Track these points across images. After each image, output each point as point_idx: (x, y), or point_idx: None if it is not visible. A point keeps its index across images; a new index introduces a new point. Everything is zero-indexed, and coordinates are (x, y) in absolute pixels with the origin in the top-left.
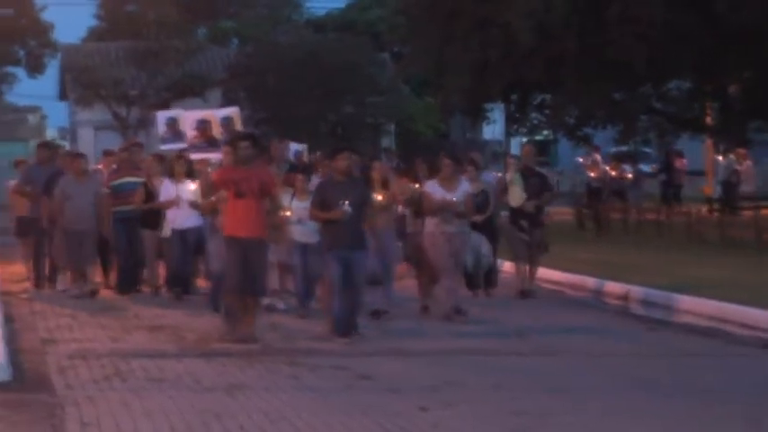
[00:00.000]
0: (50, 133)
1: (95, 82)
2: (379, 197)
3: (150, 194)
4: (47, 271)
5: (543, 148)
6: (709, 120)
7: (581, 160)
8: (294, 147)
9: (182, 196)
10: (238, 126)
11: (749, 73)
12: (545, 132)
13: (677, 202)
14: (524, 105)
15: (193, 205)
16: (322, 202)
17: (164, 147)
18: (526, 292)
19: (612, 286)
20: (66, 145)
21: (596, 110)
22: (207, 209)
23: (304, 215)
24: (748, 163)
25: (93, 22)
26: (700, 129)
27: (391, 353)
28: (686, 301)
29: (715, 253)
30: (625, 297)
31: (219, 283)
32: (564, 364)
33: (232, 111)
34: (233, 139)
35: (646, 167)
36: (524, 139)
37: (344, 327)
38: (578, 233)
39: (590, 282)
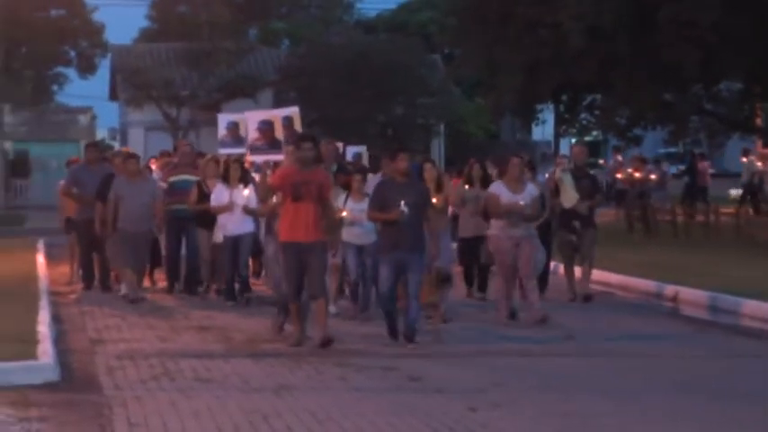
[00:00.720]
0: (101, 134)
1: (146, 83)
2: (434, 199)
3: (204, 195)
4: (98, 274)
5: (593, 150)
6: (759, 121)
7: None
8: (353, 149)
9: (235, 201)
10: (298, 126)
11: None
12: (594, 133)
13: (705, 203)
14: (574, 106)
15: (247, 211)
16: (380, 203)
17: (223, 150)
18: (586, 296)
19: (661, 288)
20: (117, 145)
21: (647, 111)
22: (266, 212)
23: (360, 217)
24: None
25: (145, 23)
26: (750, 130)
27: (440, 355)
28: (735, 303)
29: (764, 254)
30: (674, 299)
31: (281, 286)
32: (611, 366)
33: (292, 111)
34: (295, 140)
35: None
36: (573, 140)
37: (394, 329)
38: (626, 235)
39: (639, 283)
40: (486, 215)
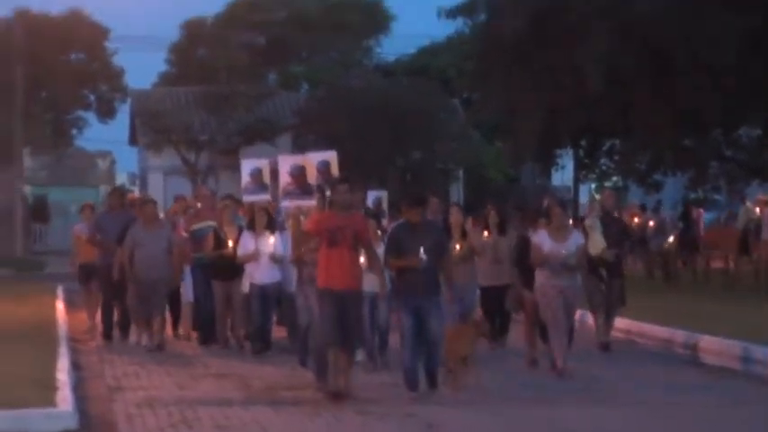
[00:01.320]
0: (120, 178)
1: (166, 127)
2: (458, 246)
3: (221, 242)
4: (117, 321)
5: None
6: None
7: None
8: (373, 194)
9: (261, 249)
10: (335, 171)
11: None
12: (614, 179)
13: (696, 251)
14: (594, 151)
15: (274, 259)
16: (397, 249)
17: (246, 197)
18: (604, 345)
19: (681, 335)
20: (136, 190)
21: (666, 156)
22: (296, 259)
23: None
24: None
25: (164, 67)
26: None
27: (460, 402)
28: (756, 351)
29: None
30: (694, 347)
31: (306, 336)
32: (633, 415)
33: (329, 155)
34: (332, 183)
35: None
36: (593, 185)
37: (413, 379)
38: (647, 281)
39: (659, 331)
40: (518, 263)
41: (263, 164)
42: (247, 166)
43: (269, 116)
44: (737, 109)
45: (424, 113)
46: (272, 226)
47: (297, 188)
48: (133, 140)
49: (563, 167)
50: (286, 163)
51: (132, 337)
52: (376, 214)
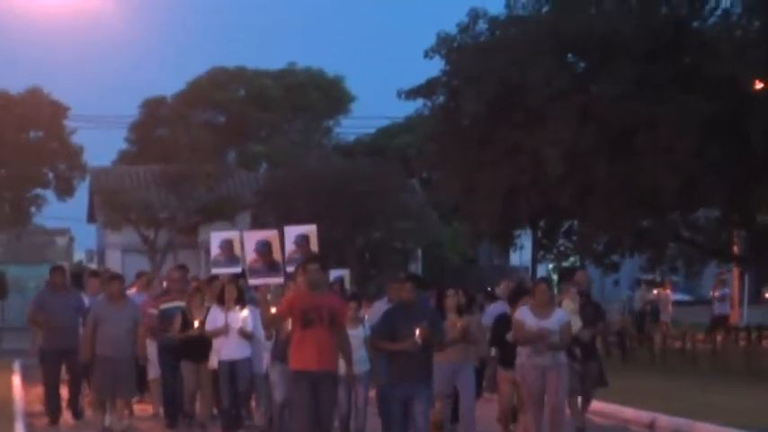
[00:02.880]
0: (78, 255)
1: (124, 205)
2: (458, 325)
3: (187, 323)
4: (68, 400)
5: (570, 275)
6: (735, 249)
7: None
8: (335, 273)
9: (231, 324)
10: (314, 246)
11: None
12: (572, 259)
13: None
14: (552, 232)
15: (243, 334)
16: (390, 332)
17: (216, 270)
18: (579, 429)
19: (638, 414)
20: (94, 267)
21: (624, 237)
22: (270, 336)
23: (355, 344)
24: (667, 293)
25: (124, 146)
26: (727, 258)
27: None
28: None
29: (740, 381)
30: (651, 425)
31: (282, 414)
32: None
33: (308, 229)
34: (302, 262)
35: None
36: (551, 266)
37: None
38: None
39: (615, 409)
40: (496, 342)
41: (234, 235)
42: (216, 238)
43: (228, 194)
44: (697, 191)
45: (384, 193)
46: (243, 300)
47: (263, 265)
48: (91, 218)
49: (521, 248)
50: (251, 239)
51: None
52: (354, 295)
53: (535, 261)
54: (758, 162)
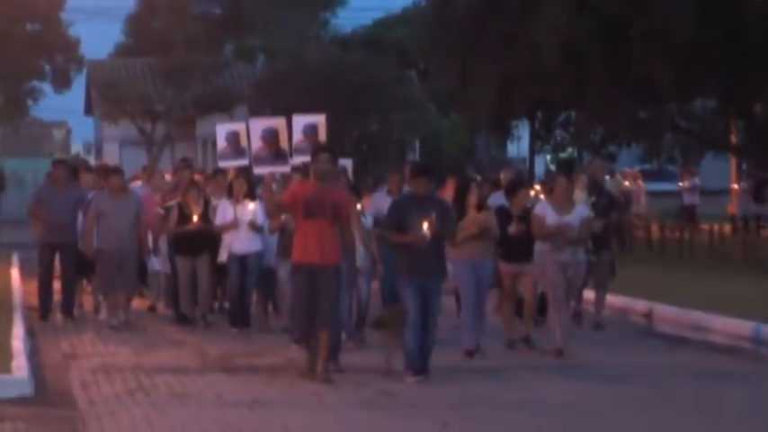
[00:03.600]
0: (76, 148)
1: (121, 98)
2: (478, 220)
3: (185, 217)
4: (63, 299)
5: (569, 166)
6: (733, 138)
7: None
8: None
9: (240, 218)
10: (323, 136)
11: None
12: (569, 150)
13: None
14: (549, 123)
15: (253, 227)
16: (398, 224)
17: (222, 163)
18: (596, 324)
19: (635, 304)
20: (92, 160)
21: (621, 128)
22: (276, 228)
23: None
24: (639, 183)
25: (121, 38)
26: (724, 147)
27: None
28: (710, 320)
29: (736, 272)
30: (648, 315)
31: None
32: (586, 383)
33: (317, 118)
34: (312, 151)
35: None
36: (548, 156)
37: (417, 362)
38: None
39: (612, 299)
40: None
41: (241, 127)
42: (222, 130)
43: (225, 87)
44: (692, 81)
45: (380, 85)
46: (252, 193)
47: (269, 154)
48: (89, 111)
49: (518, 139)
50: (258, 126)
51: (101, 314)
52: (355, 187)
53: (532, 152)
54: (753, 50)
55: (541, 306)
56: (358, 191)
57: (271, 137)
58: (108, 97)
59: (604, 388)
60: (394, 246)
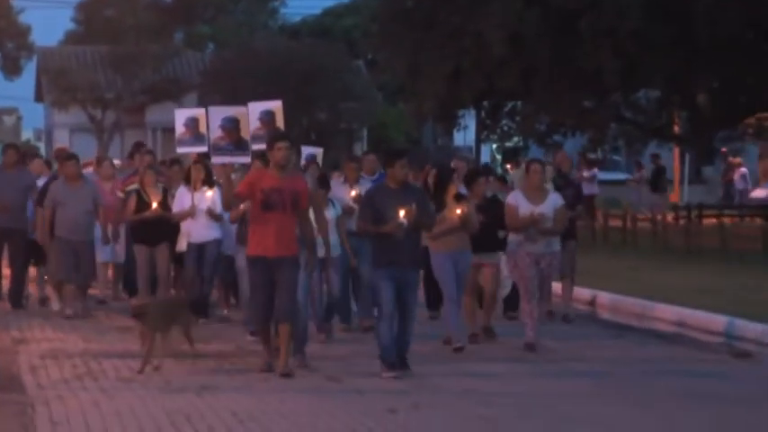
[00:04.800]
0: (26, 134)
1: (72, 85)
2: (458, 210)
3: (143, 204)
4: (9, 290)
5: (514, 155)
6: (677, 128)
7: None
8: (308, 149)
9: (198, 206)
10: (280, 123)
11: (717, 83)
12: (515, 139)
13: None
14: (496, 113)
15: (212, 216)
16: (373, 214)
17: (181, 150)
18: (564, 316)
19: (579, 292)
20: (42, 146)
21: (566, 118)
22: (235, 218)
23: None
24: (594, 171)
25: (71, 26)
26: (668, 137)
27: (361, 355)
28: (652, 307)
29: (678, 260)
30: (592, 302)
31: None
32: (531, 370)
33: (274, 105)
34: (268, 139)
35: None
36: (494, 146)
37: (391, 356)
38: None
39: (557, 287)
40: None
41: (200, 113)
42: (181, 115)
43: (175, 75)
44: (637, 72)
45: (328, 74)
46: (211, 181)
47: (229, 143)
48: (39, 97)
49: (465, 128)
50: (217, 115)
51: (54, 305)
52: (324, 178)
53: (479, 141)
54: (699, 43)
55: (514, 300)
56: (327, 181)
57: (231, 126)
58: (58, 84)
59: (555, 376)
60: (371, 236)
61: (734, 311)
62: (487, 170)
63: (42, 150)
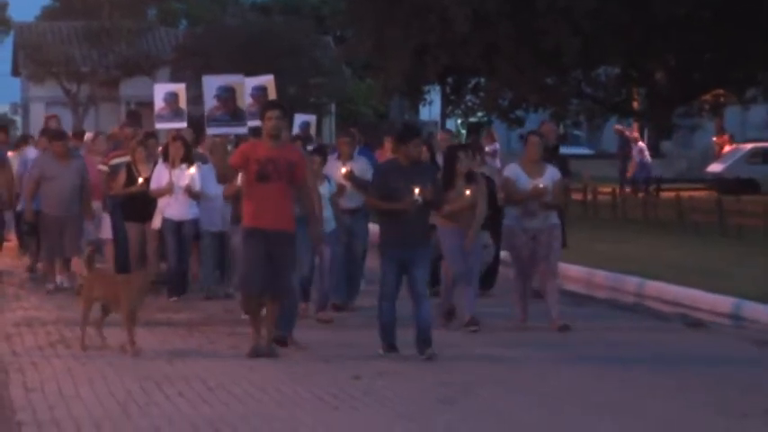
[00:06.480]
0: (2, 108)
1: (48, 59)
2: (467, 191)
3: (133, 179)
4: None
5: (477, 129)
6: (636, 104)
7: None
8: (300, 117)
9: (177, 183)
10: (273, 98)
11: (675, 60)
12: (479, 114)
13: None
14: (460, 88)
15: (191, 194)
16: (384, 191)
17: (160, 125)
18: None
19: None
20: (19, 119)
21: (529, 94)
22: (230, 194)
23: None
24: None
25: (47, 2)
26: (627, 113)
27: (330, 326)
28: (610, 278)
29: (638, 232)
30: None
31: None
32: (493, 338)
33: (266, 80)
34: (261, 109)
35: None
36: (459, 120)
37: (389, 336)
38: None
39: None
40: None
41: (179, 88)
42: (160, 90)
43: (148, 50)
44: (596, 50)
45: (298, 50)
46: (190, 157)
47: (225, 113)
48: (16, 72)
49: (430, 103)
50: (212, 84)
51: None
52: (320, 149)
53: (444, 116)
54: (655, 20)
55: (491, 278)
56: (323, 152)
57: (227, 96)
58: (34, 59)
59: (516, 345)
60: (379, 214)
61: (689, 282)
62: (470, 146)
63: (19, 123)
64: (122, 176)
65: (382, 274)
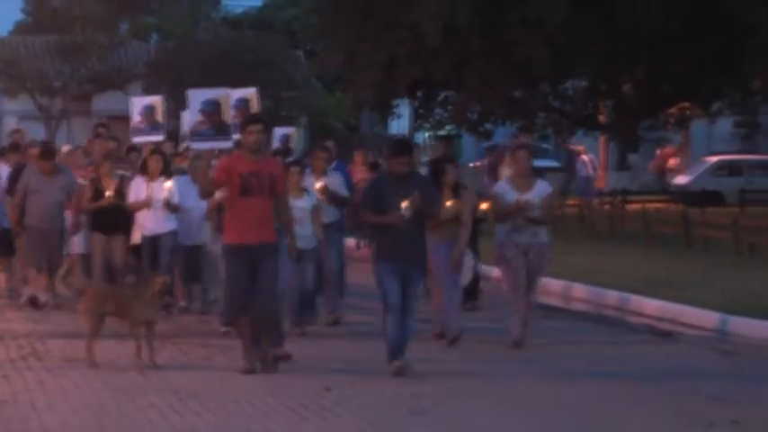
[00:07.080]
0: None
1: (21, 74)
2: (448, 203)
3: (99, 194)
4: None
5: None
6: (602, 117)
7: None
8: (280, 131)
9: (155, 197)
10: (255, 110)
11: (642, 73)
12: (448, 127)
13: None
14: (429, 102)
15: (169, 207)
16: (375, 204)
17: (137, 139)
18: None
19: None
20: None
21: (497, 107)
22: (212, 208)
23: (300, 216)
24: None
25: (20, 17)
26: (594, 126)
27: (301, 336)
28: (581, 290)
29: (605, 244)
30: None
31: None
32: (467, 351)
33: (249, 92)
34: (242, 122)
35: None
36: (427, 134)
37: (400, 351)
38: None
39: (487, 270)
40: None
41: (157, 101)
42: (138, 104)
43: (120, 65)
44: (565, 63)
45: (270, 64)
46: (168, 171)
47: (210, 128)
48: None
49: (400, 117)
50: (197, 98)
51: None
52: (297, 161)
53: (413, 129)
54: (622, 33)
55: (474, 291)
56: (303, 164)
57: (212, 110)
58: (8, 73)
59: (492, 363)
60: (372, 228)
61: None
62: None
63: None
64: (88, 190)
65: (383, 289)
